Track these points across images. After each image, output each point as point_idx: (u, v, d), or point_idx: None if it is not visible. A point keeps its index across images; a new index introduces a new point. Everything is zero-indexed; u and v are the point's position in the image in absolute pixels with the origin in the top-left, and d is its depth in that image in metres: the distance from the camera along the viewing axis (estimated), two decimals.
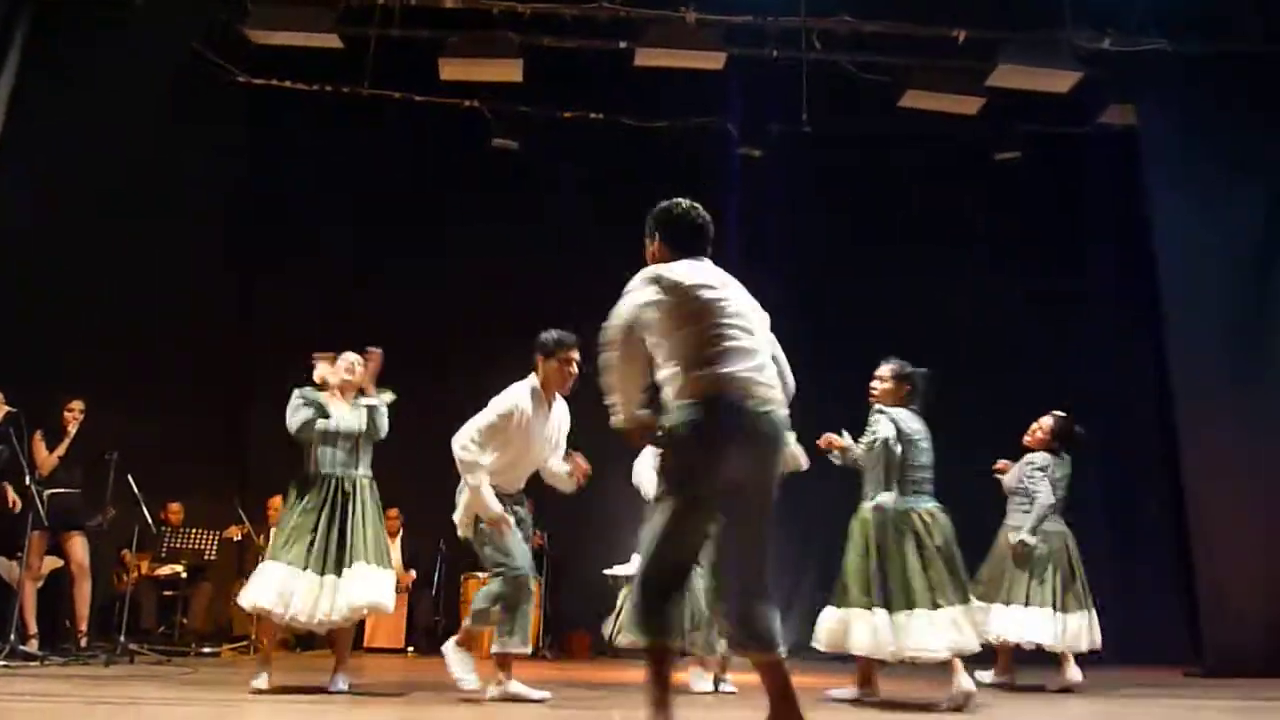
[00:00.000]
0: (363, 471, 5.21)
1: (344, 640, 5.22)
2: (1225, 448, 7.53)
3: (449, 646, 4.94)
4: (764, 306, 3.44)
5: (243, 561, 8.73)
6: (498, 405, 4.80)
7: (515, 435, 4.79)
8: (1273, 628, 7.20)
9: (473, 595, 5.27)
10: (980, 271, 9.40)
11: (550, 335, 4.89)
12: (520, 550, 4.74)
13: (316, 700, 4.72)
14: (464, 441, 4.72)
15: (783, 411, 3.14)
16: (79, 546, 6.94)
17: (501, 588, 4.65)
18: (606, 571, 9.06)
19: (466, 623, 4.95)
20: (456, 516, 4.90)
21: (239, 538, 8.43)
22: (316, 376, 5.36)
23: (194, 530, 8.22)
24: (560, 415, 5.04)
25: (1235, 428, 7.55)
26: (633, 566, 9.64)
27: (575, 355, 4.82)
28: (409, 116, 9.12)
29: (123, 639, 6.61)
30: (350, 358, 5.38)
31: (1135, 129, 8.42)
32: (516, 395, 4.82)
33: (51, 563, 7.16)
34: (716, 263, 3.40)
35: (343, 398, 5.30)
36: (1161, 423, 8.51)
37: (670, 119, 9.17)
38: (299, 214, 9.68)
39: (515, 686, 4.65)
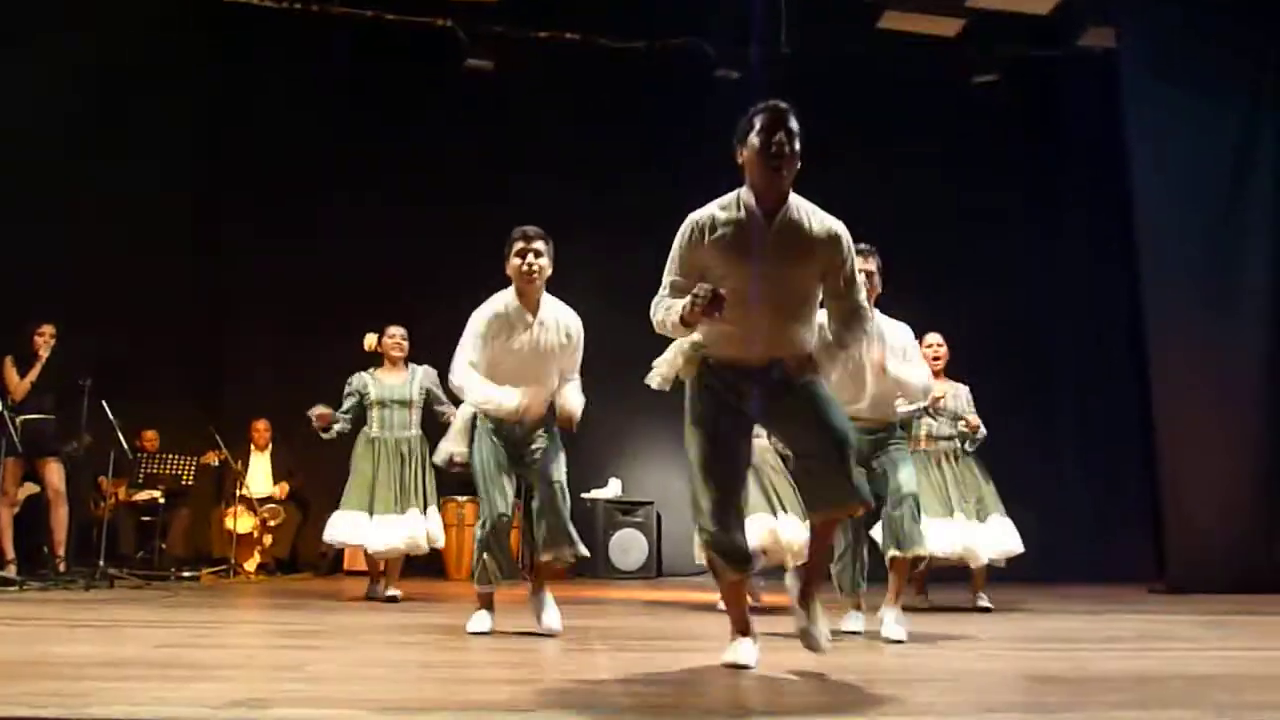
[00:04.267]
0: (414, 432, 6.19)
1: (394, 565, 6.22)
2: (1194, 374, 7.65)
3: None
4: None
5: (220, 487, 8.75)
6: (465, 330, 4.40)
7: (497, 352, 4.32)
8: (1232, 547, 7.40)
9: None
10: (956, 196, 9.39)
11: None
12: (503, 490, 4.31)
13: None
14: (454, 370, 4.34)
15: None
16: (54, 472, 6.93)
17: (482, 533, 4.44)
18: (585, 495, 9.18)
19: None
20: (439, 453, 4.75)
21: (216, 463, 8.43)
22: (366, 346, 6.24)
23: (170, 456, 8.21)
24: (553, 331, 4.40)
25: (1204, 354, 7.67)
26: (609, 491, 9.77)
27: (526, 245, 4.32)
28: (381, 36, 8.93)
29: (101, 564, 6.64)
30: (395, 331, 6.23)
31: (1114, 52, 8.38)
32: (479, 310, 4.38)
33: (28, 489, 7.16)
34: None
35: (393, 368, 6.22)
36: (1133, 348, 8.61)
37: (647, 40, 9.03)
38: (269, 138, 9.48)
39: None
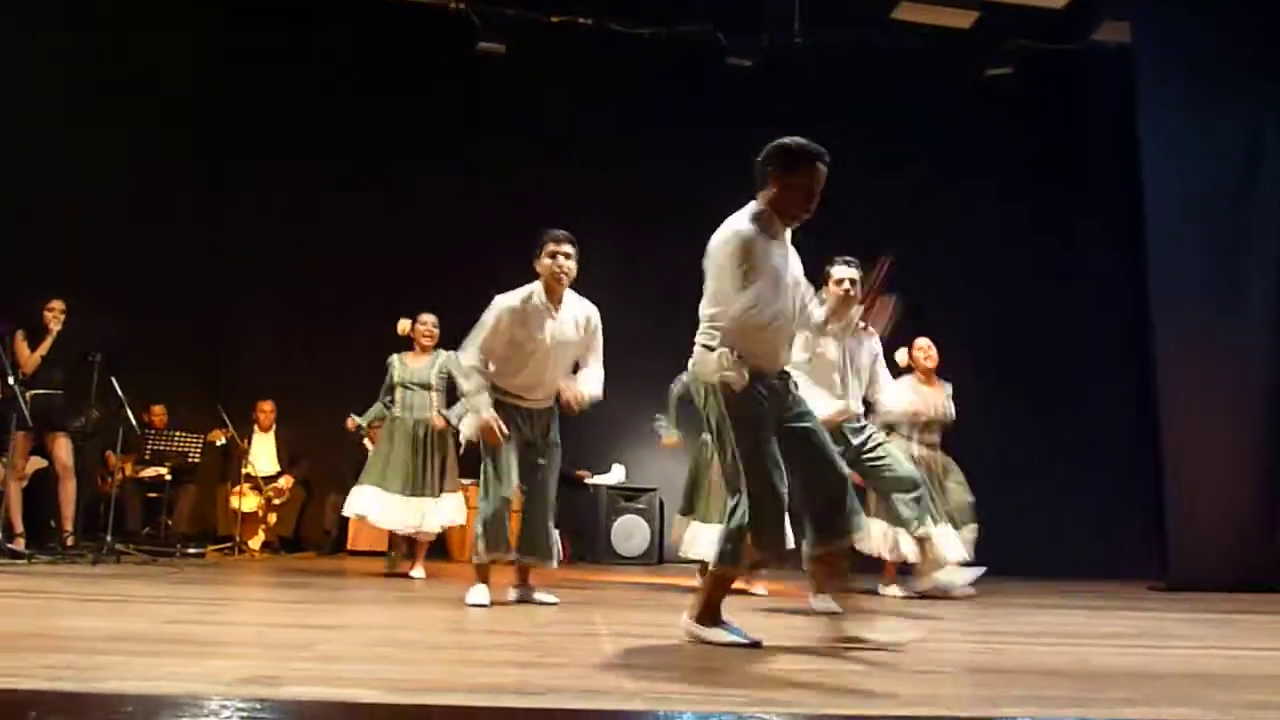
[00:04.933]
0: (433, 414, 6.48)
1: (420, 546, 6.58)
2: (1200, 373, 7.63)
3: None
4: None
5: (226, 465, 8.79)
6: (486, 313, 4.61)
7: (514, 344, 4.53)
8: (1234, 546, 7.40)
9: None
10: (967, 188, 9.37)
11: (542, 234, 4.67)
12: (510, 474, 4.52)
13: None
14: (464, 353, 4.57)
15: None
16: (63, 447, 6.97)
17: (488, 510, 4.49)
18: (588, 481, 9.22)
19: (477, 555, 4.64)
20: (464, 427, 4.82)
21: (222, 441, 8.47)
22: (399, 331, 6.60)
23: (177, 433, 8.26)
24: (570, 325, 4.64)
25: (1211, 353, 7.65)
26: (612, 477, 9.81)
27: (556, 248, 4.54)
28: (393, 17, 8.92)
29: (109, 539, 6.68)
30: (428, 319, 6.57)
31: (1129, 46, 8.34)
32: (503, 299, 4.57)
33: (36, 463, 7.19)
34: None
35: (421, 353, 6.58)
36: (1139, 346, 8.60)
37: (660, 26, 9.02)
38: (276, 117, 9.50)
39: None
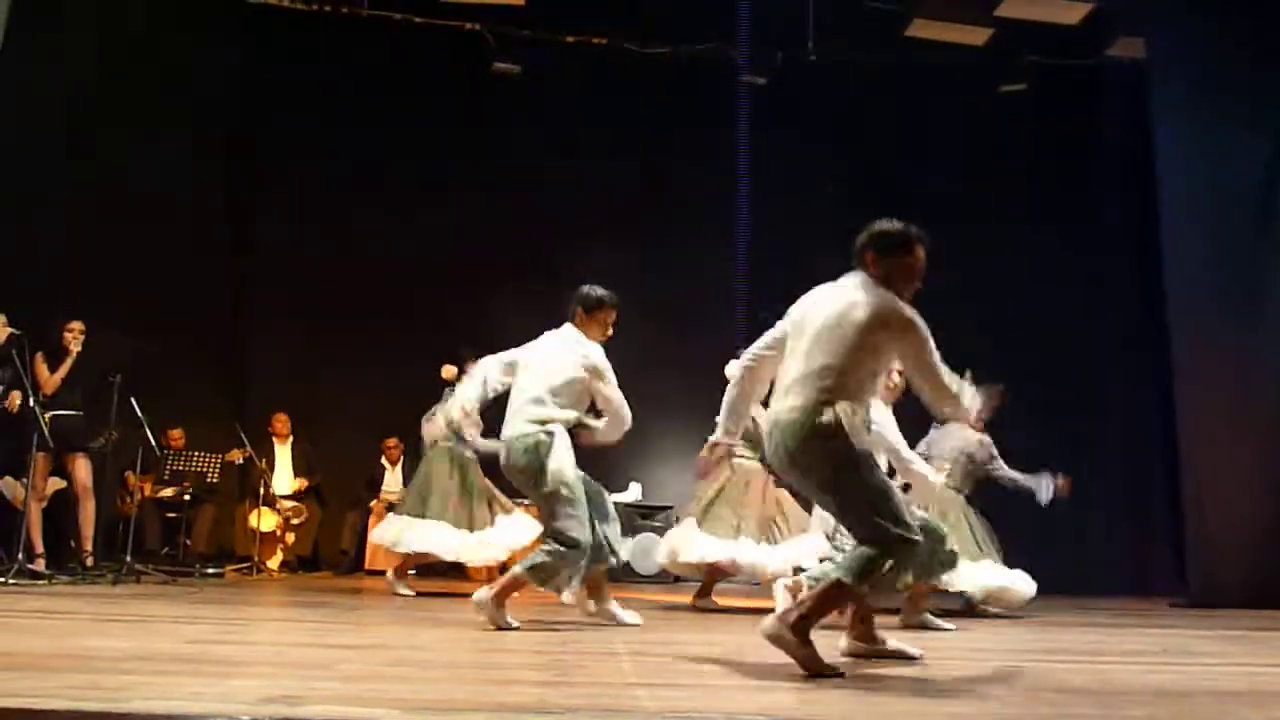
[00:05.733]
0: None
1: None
2: (1218, 389, 7.59)
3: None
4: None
5: (244, 485, 8.83)
6: (605, 366, 4.70)
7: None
8: (1254, 563, 7.34)
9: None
10: (981, 203, 9.37)
11: (595, 292, 4.78)
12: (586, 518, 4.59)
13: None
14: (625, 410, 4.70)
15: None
16: (82, 468, 7.00)
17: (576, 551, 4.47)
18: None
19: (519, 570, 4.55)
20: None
21: (240, 461, 8.51)
22: (445, 376, 6.76)
23: (196, 454, 8.31)
24: None
25: (1229, 369, 7.61)
26: (629, 495, 9.81)
27: (614, 317, 4.81)
28: (409, 39, 9.00)
29: (128, 559, 6.71)
30: (468, 353, 6.26)
31: (1143, 62, 8.34)
32: (600, 350, 4.74)
33: (55, 483, 7.23)
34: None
35: None
36: (1157, 361, 8.56)
37: (674, 45, 9.07)
38: (297, 138, 9.59)
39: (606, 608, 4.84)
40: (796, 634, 3.16)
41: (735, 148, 9.05)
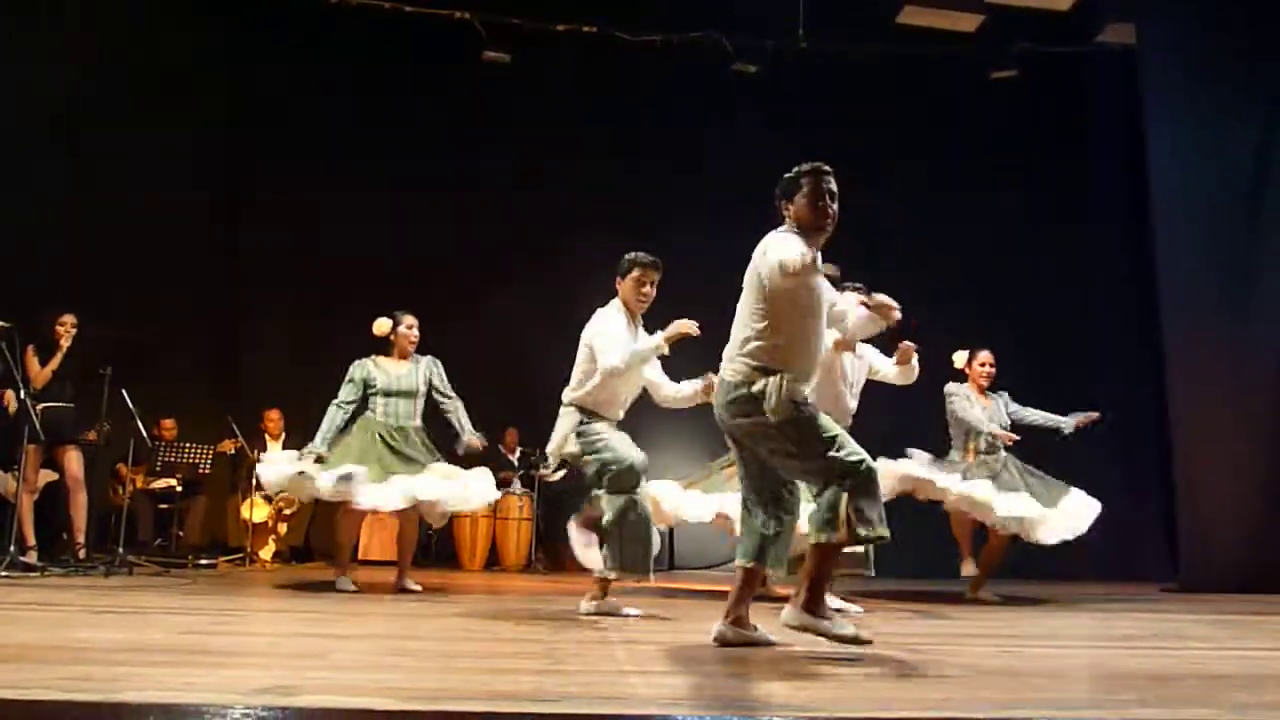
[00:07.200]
0: (417, 422, 5.98)
1: (405, 554, 6.28)
2: (1211, 374, 7.63)
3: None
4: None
5: (236, 476, 8.81)
6: (600, 325, 4.62)
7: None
8: (1246, 548, 7.38)
9: None
10: (971, 190, 9.37)
11: (628, 256, 4.72)
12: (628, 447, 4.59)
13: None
14: (609, 358, 4.53)
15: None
16: (74, 460, 6.98)
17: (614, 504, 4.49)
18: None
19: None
20: (551, 447, 4.79)
21: (232, 452, 8.49)
22: (377, 331, 6.00)
23: (188, 445, 8.28)
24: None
25: (1222, 354, 7.64)
26: None
27: (649, 275, 4.64)
28: (398, 27, 8.96)
29: (121, 551, 6.69)
30: (413, 323, 6.04)
31: (1134, 48, 8.34)
32: (611, 313, 4.65)
33: (46, 476, 7.21)
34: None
35: (402, 358, 6.04)
36: (1150, 347, 8.58)
37: (664, 33, 9.04)
38: (286, 129, 9.54)
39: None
40: (814, 613, 3.22)
41: (724, 135, 9.03)
